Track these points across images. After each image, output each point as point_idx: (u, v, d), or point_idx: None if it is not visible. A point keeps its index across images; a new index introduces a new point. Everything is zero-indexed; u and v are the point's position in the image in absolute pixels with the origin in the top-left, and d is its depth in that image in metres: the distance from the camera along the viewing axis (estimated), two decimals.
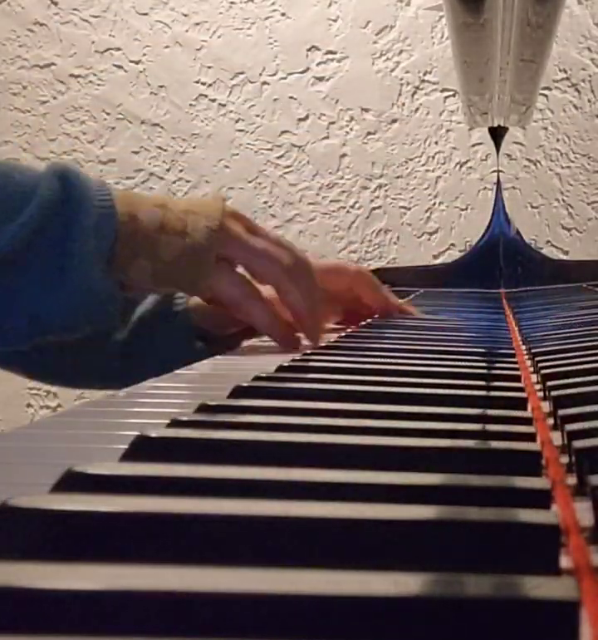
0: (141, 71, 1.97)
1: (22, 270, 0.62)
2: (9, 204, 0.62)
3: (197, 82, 1.97)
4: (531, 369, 0.56)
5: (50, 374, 0.85)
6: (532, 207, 1.93)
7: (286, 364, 0.53)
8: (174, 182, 1.97)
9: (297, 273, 0.70)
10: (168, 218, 0.66)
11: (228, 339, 0.84)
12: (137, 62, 1.97)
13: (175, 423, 0.35)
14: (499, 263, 1.32)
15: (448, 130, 1.95)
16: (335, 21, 1.96)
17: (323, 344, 0.66)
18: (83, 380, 0.89)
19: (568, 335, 0.67)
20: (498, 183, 1.38)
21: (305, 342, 0.72)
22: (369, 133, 1.95)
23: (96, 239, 0.63)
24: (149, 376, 0.92)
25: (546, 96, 1.92)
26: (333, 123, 1.96)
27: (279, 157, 1.97)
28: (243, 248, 0.69)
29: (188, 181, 1.97)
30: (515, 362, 0.56)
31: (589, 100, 1.94)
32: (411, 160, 1.95)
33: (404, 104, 1.95)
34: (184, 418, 0.36)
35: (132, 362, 0.82)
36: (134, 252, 0.65)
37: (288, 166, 1.96)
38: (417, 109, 1.96)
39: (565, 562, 0.23)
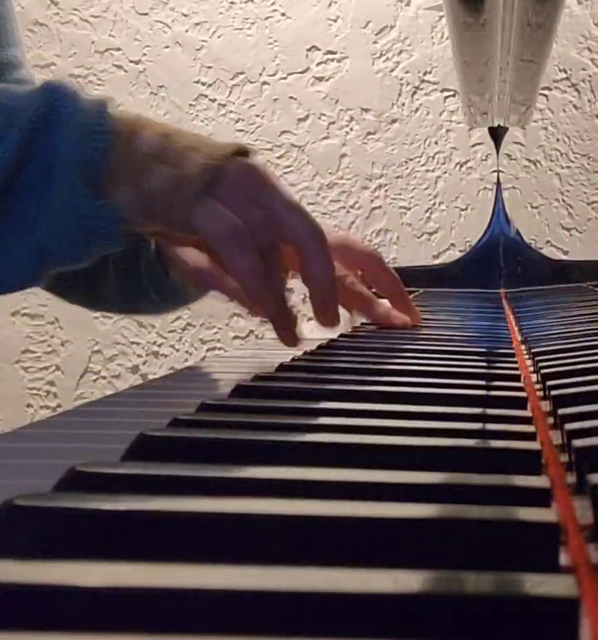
0: (141, 71, 1.97)
1: (16, 194, 0.60)
2: None
3: (197, 82, 1.97)
4: (531, 369, 0.56)
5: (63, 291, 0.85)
6: (532, 207, 1.93)
7: (286, 363, 0.53)
8: None
9: (274, 256, 0.62)
10: (166, 148, 0.61)
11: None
12: (137, 62, 1.97)
13: (176, 422, 0.35)
14: (499, 263, 1.32)
15: (448, 130, 1.95)
16: (335, 21, 1.96)
17: (323, 344, 0.66)
18: (98, 302, 0.87)
19: (568, 335, 0.67)
20: (498, 183, 1.38)
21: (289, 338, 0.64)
22: (369, 133, 1.96)
23: (82, 159, 0.60)
24: (147, 309, 0.88)
25: (546, 96, 1.92)
26: (333, 123, 1.96)
27: (279, 157, 1.97)
28: (240, 195, 0.61)
29: None
30: (515, 362, 0.56)
31: (589, 100, 1.94)
32: (411, 159, 1.95)
33: (404, 104, 1.96)
34: (185, 417, 0.36)
35: (129, 292, 0.81)
36: (122, 177, 0.61)
37: (288, 166, 1.97)
38: (417, 109, 1.96)
39: (564, 560, 0.23)
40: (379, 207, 1.95)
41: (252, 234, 0.60)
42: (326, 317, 0.63)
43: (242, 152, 0.63)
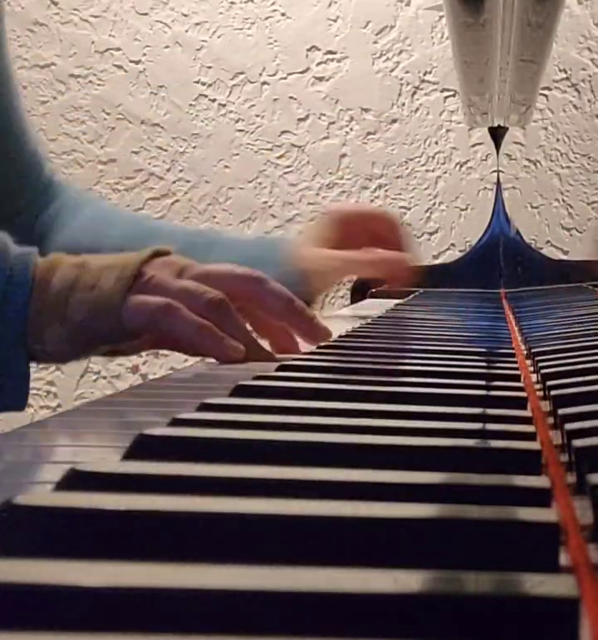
0: (141, 71, 1.97)
1: None
2: None
3: (197, 82, 1.97)
4: (531, 369, 0.56)
5: None
6: (532, 207, 1.93)
7: (286, 363, 0.53)
8: (174, 182, 1.97)
9: (222, 309, 0.64)
10: (81, 276, 0.63)
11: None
12: (137, 62, 1.97)
13: (177, 422, 0.35)
14: (499, 263, 1.32)
15: (448, 130, 1.96)
16: (335, 21, 1.96)
17: (323, 344, 0.66)
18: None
19: (568, 335, 0.67)
20: (498, 183, 1.38)
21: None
22: (369, 133, 1.96)
23: (7, 307, 0.62)
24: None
25: (546, 96, 1.92)
26: (333, 123, 1.96)
27: (279, 157, 1.97)
28: (164, 291, 0.63)
29: (187, 181, 1.97)
30: (515, 362, 0.56)
31: (589, 100, 1.94)
32: (411, 159, 1.95)
33: (404, 104, 1.96)
34: (186, 417, 0.36)
35: None
36: (47, 318, 0.63)
37: (288, 166, 1.97)
38: (417, 109, 1.96)
39: (564, 560, 0.23)
40: (380, 207, 1.95)
41: (184, 301, 0.62)
42: (308, 333, 0.68)
43: (161, 253, 0.65)
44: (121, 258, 0.64)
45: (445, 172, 1.95)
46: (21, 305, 0.63)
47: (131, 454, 0.31)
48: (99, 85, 1.97)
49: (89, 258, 0.65)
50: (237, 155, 1.96)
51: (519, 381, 0.49)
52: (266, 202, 1.97)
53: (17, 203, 0.95)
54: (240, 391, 0.43)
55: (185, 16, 1.97)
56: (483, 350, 0.61)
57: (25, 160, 0.96)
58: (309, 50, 1.96)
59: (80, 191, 1.07)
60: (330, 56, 1.96)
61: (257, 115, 1.96)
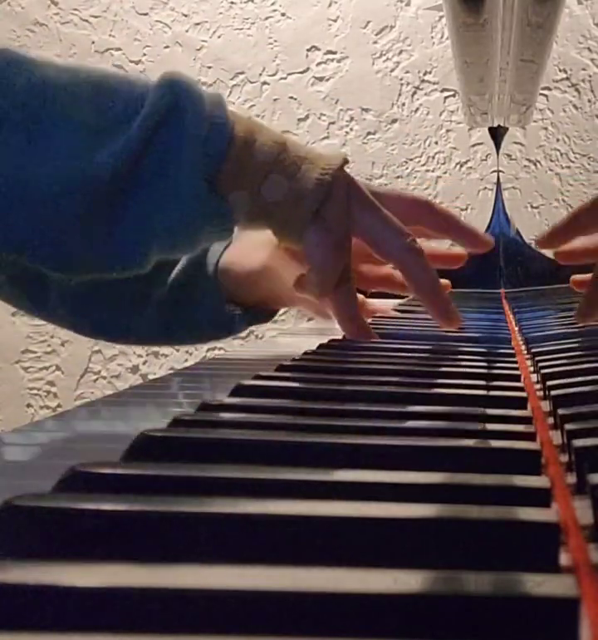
0: (141, 71, 1.97)
1: (136, 182, 0.60)
2: (118, 117, 0.60)
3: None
4: (531, 369, 0.56)
5: (91, 327, 0.84)
6: (532, 207, 1.93)
7: (286, 363, 0.53)
8: None
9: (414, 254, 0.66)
10: (283, 157, 0.64)
11: (262, 310, 0.82)
12: (137, 62, 1.97)
13: (177, 422, 0.35)
14: (499, 263, 1.32)
15: (448, 130, 1.96)
16: (335, 21, 1.96)
17: (323, 344, 0.66)
18: (123, 335, 0.87)
19: (568, 335, 0.67)
20: (498, 183, 1.38)
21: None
22: (369, 133, 1.96)
23: (205, 154, 0.61)
24: (186, 340, 0.91)
25: (546, 96, 1.92)
26: (333, 123, 1.96)
27: None
28: (344, 213, 0.65)
29: None
30: (515, 362, 0.56)
31: (589, 100, 1.94)
32: (411, 160, 1.95)
33: (404, 104, 1.96)
34: (186, 417, 0.36)
35: (170, 323, 0.81)
36: (240, 180, 0.63)
37: None
38: (417, 109, 1.96)
39: (564, 560, 0.23)
40: None
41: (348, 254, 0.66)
42: (445, 319, 0.67)
43: (345, 162, 0.67)
44: (317, 156, 0.65)
45: (445, 172, 1.95)
46: (217, 148, 0.62)
47: (131, 454, 0.31)
48: None
49: (284, 138, 0.65)
50: None
51: (519, 381, 0.49)
52: None
53: None
54: (240, 391, 0.43)
55: (185, 16, 1.97)
56: (483, 350, 0.61)
57: None
58: (309, 50, 1.96)
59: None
60: (330, 56, 1.96)
61: (257, 115, 1.96)
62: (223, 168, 0.62)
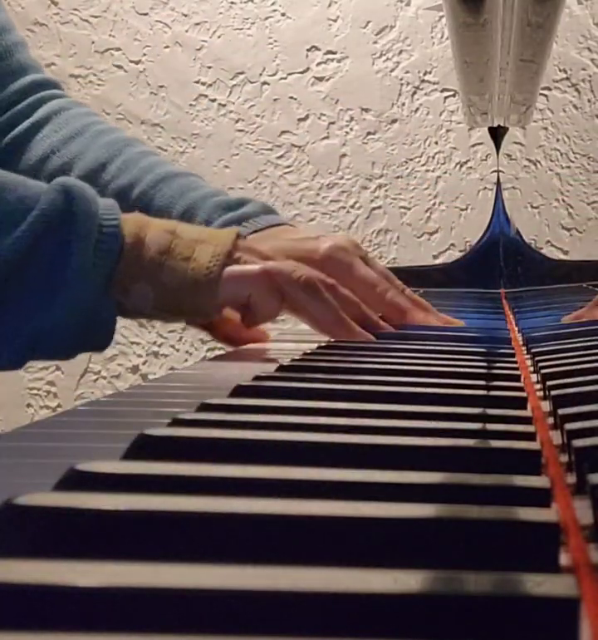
0: (141, 71, 1.97)
1: (19, 284, 0.62)
2: (9, 217, 0.62)
3: (197, 82, 1.97)
4: (531, 369, 0.56)
5: None
6: (532, 207, 1.93)
7: (286, 363, 0.53)
8: None
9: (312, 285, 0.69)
10: (176, 244, 0.66)
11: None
12: (137, 62, 1.97)
13: (177, 422, 0.35)
14: (499, 263, 1.32)
15: (448, 130, 1.95)
16: (335, 21, 1.96)
17: (323, 344, 0.66)
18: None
19: (568, 335, 0.67)
20: (498, 183, 1.38)
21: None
22: (369, 133, 1.96)
23: (97, 257, 0.63)
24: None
25: (546, 96, 1.92)
26: (333, 123, 1.96)
27: (279, 157, 1.97)
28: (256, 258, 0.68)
29: None
30: (515, 362, 0.56)
31: (589, 100, 1.94)
32: (411, 160, 1.95)
33: (404, 104, 1.96)
34: (186, 417, 0.36)
35: None
36: (137, 275, 0.65)
37: (288, 166, 1.96)
38: (417, 109, 1.96)
39: (564, 560, 0.23)
40: (380, 207, 1.95)
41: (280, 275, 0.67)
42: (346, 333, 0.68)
43: (237, 232, 0.69)
44: (210, 235, 0.68)
45: (445, 172, 1.95)
46: (112, 255, 0.64)
47: (131, 454, 0.31)
48: (99, 85, 1.97)
49: (179, 226, 0.68)
50: (237, 155, 1.96)
51: (519, 381, 0.49)
52: (266, 202, 1.96)
53: None
54: (240, 391, 0.43)
55: (185, 16, 1.97)
56: (483, 350, 0.61)
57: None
58: (309, 50, 1.96)
59: (75, 103, 0.97)
60: (330, 56, 1.96)
61: (257, 115, 1.96)
62: (118, 268, 0.64)
